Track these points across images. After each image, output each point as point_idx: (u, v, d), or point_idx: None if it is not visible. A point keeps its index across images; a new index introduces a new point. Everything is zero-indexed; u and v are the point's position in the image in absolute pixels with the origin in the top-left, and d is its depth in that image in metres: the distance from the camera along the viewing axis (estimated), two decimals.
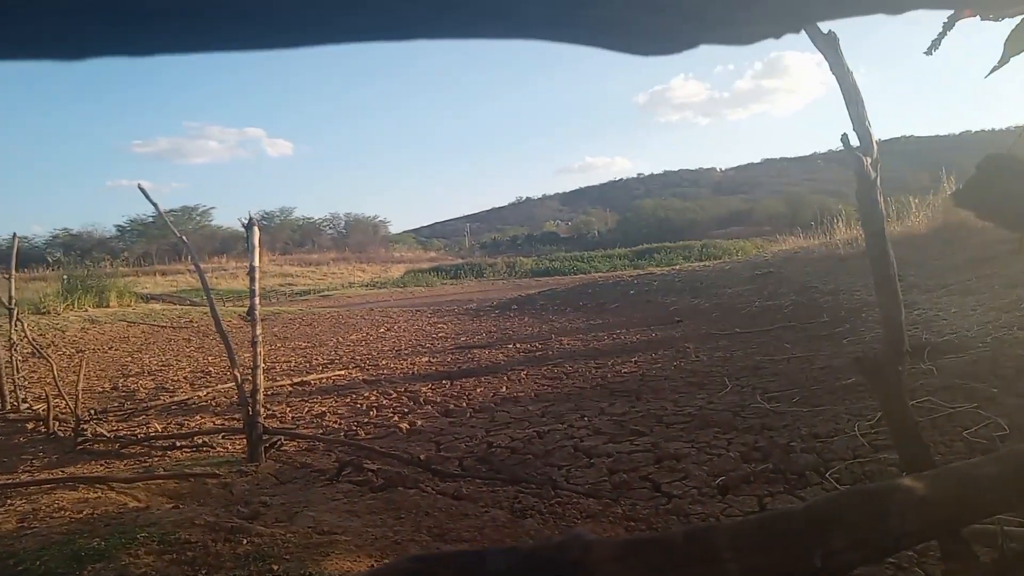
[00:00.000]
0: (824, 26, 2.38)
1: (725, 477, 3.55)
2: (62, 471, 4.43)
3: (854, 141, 2.27)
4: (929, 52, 1.72)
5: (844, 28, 2.10)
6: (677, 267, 22.24)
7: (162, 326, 14.67)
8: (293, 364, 9.04)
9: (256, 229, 4.42)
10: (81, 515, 2.99)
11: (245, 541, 2.51)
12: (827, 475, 3.42)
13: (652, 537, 0.54)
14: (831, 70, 2.27)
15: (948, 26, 1.65)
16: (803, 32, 2.40)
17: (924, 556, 2.44)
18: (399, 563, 0.46)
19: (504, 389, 6.40)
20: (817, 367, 5.94)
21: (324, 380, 7.63)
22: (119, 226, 52.19)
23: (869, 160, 2.14)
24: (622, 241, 43.81)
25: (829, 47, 2.24)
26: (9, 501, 3.29)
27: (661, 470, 3.79)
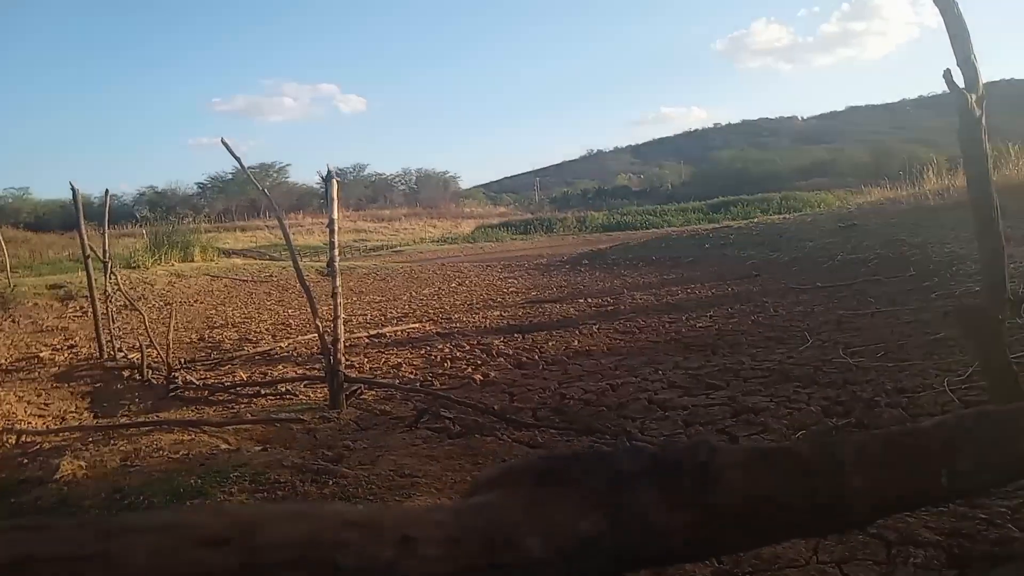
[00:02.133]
0: None
1: (805, 431, 3.48)
2: (157, 415, 4.69)
3: (957, 79, 2.13)
4: None
5: None
6: (755, 220, 21.64)
7: (243, 280, 15.20)
8: (369, 317, 9.24)
9: (335, 182, 4.50)
10: (178, 455, 3.17)
11: (331, 482, 2.61)
12: None
13: (778, 447, 0.53)
14: (934, 2, 2.12)
15: None
16: None
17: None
18: (531, 460, 0.46)
19: (576, 343, 6.40)
20: (903, 322, 5.72)
21: (399, 333, 7.79)
22: (200, 183, 53.93)
23: (974, 97, 2.01)
24: (697, 194, 42.74)
25: None
26: (113, 441, 3.51)
27: (738, 423, 3.74)
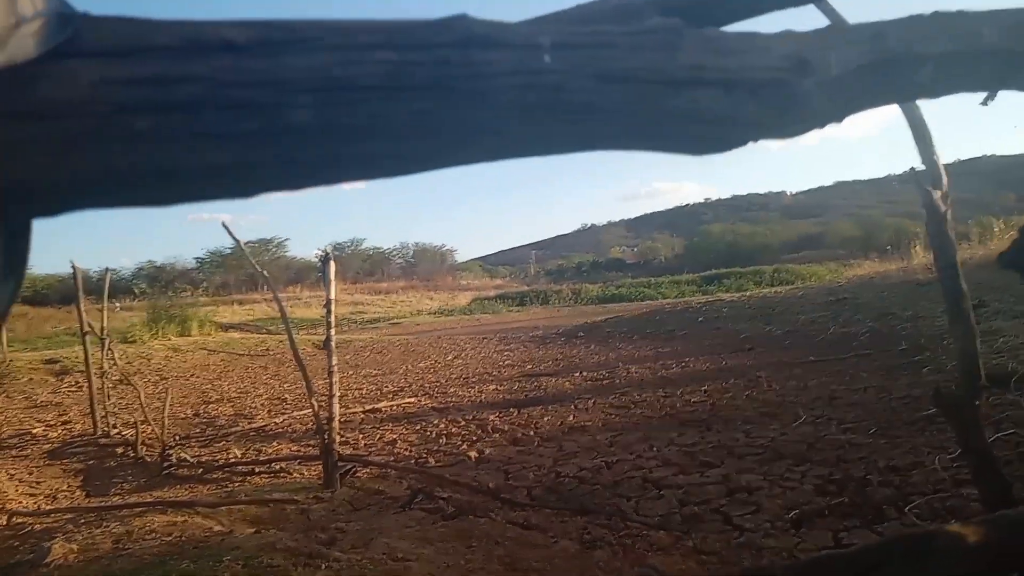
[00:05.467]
0: None
1: (799, 511, 3.48)
2: (151, 495, 4.66)
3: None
4: (985, 103, 1.68)
5: None
6: (747, 293, 21.81)
7: (240, 354, 15.20)
8: (365, 391, 9.24)
9: (332, 263, 4.60)
10: (170, 538, 3.16)
11: (324, 566, 2.61)
12: (906, 510, 3.32)
13: (712, 574, 0.58)
14: (900, 107, 2.26)
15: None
16: None
17: None
18: None
19: (571, 418, 6.40)
20: (895, 397, 5.76)
21: (394, 408, 7.78)
22: (199, 258, 54.13)
23: (939, 194, 2.12)
24: (690, 267, 43.16)
25: None
26: (105, 523, 3.50)
27: (733, 502, 3.74)
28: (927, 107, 2.41)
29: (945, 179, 2.01)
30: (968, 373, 1.92)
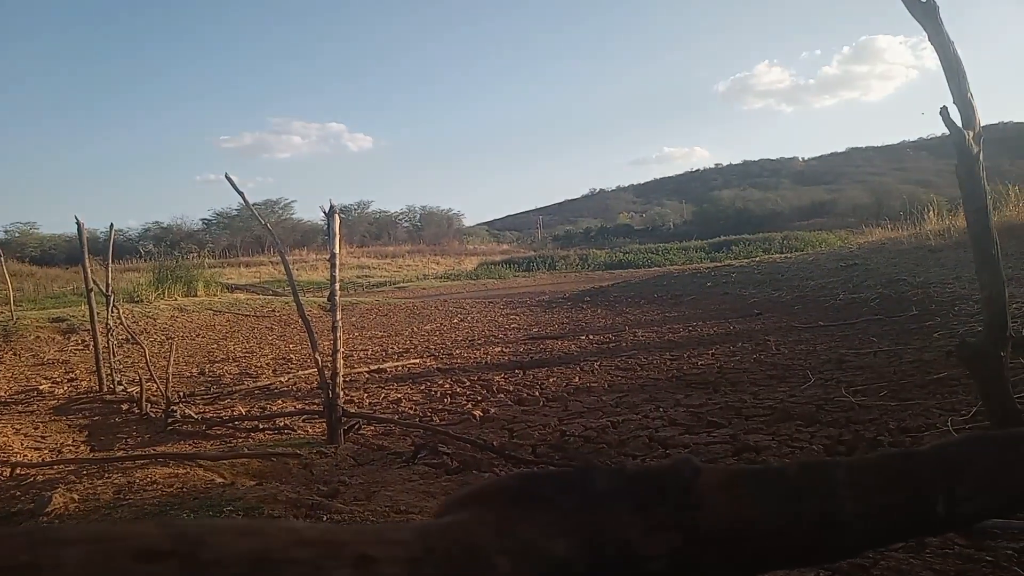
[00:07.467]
0: None
1: None
2: (154, 449, 4.64)
3: (955, 116, 2.14)
4: None
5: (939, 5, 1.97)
6: (756, 259, 21.65)
7: (246, 315, 15.20)
8: (370, 352, 9.22)
9: (337, 217, 4.52)
10: (172, 489, 3.13)
11: (325, 517, 2.57)
12: None
13: (766, 468, 0.51)
14: (929, 40, 2.14)
15: None
16: (900, 6, 2.28)
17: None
18: (505, 479, 0.44)
19: (577, 379, 6.36)
20: (906, 361, 5.68)
21: (400, 368, 7.75)
22: (205, 219, 54.15)
23: (971, 134, 2.02)
24: (698, 233, 42.99)
25: (928, 17, 2.12)
26: (107, 475, 3.47)
27: (740, 462, 3.69)
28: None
29: (978, 120, 1.90)
30: (995, 321, 1.83)
